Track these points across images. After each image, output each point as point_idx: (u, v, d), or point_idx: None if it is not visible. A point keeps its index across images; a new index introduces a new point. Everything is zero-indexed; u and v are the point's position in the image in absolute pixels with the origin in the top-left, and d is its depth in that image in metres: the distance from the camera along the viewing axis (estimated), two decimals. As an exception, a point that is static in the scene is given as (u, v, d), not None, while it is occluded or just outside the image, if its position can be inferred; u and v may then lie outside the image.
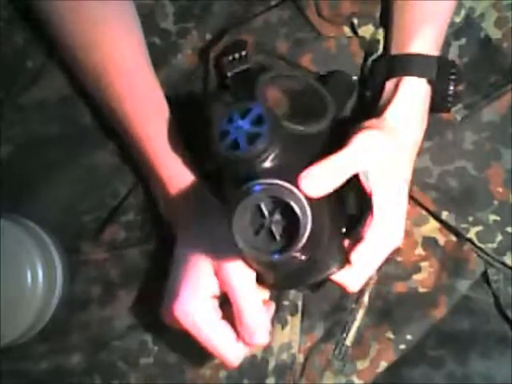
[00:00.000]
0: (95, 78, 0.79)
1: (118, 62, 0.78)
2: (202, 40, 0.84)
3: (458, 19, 0.82)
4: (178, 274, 0.73)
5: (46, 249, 0.83)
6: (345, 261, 0.70)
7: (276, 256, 0.62)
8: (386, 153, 0.72)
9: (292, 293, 0.82)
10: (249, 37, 0.82)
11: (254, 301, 0.70)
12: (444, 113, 0.80)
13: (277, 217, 0.62)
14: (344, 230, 0.71)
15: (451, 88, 0.78)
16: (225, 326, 0.72)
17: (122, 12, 0.80)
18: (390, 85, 0.78)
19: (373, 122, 0.74)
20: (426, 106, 0.78)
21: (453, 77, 0.78)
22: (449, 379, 0.81)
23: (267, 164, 0.65)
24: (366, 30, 0.82)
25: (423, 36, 0.77)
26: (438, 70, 0.77)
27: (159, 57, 0.84)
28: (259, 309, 0.71)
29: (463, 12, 0.82)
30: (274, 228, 0.62)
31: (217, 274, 0.72)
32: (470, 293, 0.82)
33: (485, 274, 0.82)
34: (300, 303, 0.82)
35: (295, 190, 0.62)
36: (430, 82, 0.77)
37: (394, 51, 0.79)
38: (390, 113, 0.75)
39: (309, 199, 0.63)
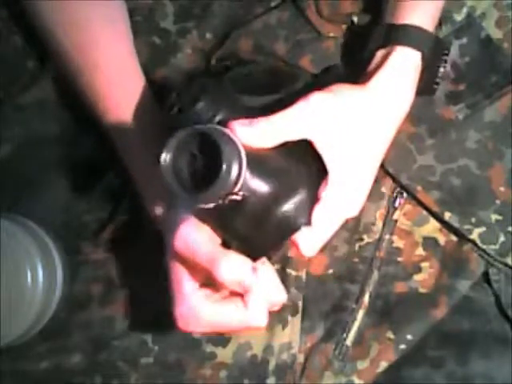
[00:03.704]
0: (79, 81, 0.79)
1: (99, 66, 0.78)
2: (202, 39, 0.84)
3: (459, 18, 0.82)
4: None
5: (46, 249, 0.84)
6: (310, 219, 0.68)
7: (186, 194, 0.63)
8: (348, 118, 0.70)
9: (293, 293, 0.81)
10: (248, 40, 0.83)
11: (216, 248, 0.68)
12: (427, 95, 0.78)
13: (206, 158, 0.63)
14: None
15: (441, 69, 0.76)
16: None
17: (107, 15, 0.79)
18: (381, 53, 0.75)
19: (337, 86, 0.71)
20: (415, 83, 0.75)
21: (445, 57, 0.76)
22: (449, 379, 0.81)
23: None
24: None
25: (423, 10, 0.75)
26: (433, 48, 0.75)
27: (159, 56, 0.84)
28: (227, 254, 0.68)
29: (464, 10, 0.82)
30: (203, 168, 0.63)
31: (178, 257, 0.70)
32: (471, 293, 0.82)
33: (485, 274, 0.82)
34: (300, 303, 0.82)
35: (227, 131, 0.63)
36: (423, 57, 0.74)
37: (391, 21, 0.76)
38: (377, 79, 0.72)
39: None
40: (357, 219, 0.82)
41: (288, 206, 0.67)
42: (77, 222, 0.85)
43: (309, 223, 0.67)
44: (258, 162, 0.65)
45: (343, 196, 0.70)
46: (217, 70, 0.78)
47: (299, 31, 0.82)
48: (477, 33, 0.81)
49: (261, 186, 0.65)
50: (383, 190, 0.82)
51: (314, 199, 0.68)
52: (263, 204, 0.66)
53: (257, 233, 0.68)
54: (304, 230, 0.68)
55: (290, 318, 0.81)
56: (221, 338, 0.82)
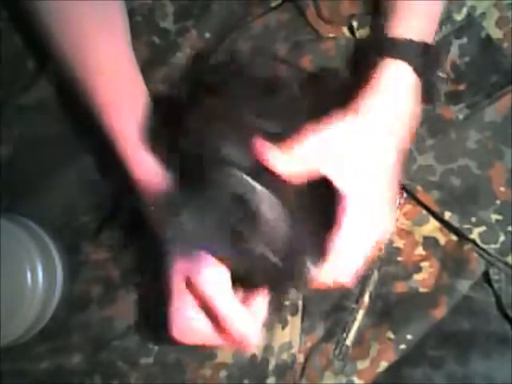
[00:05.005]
0: (76, 81, 0.79)
1: (95, 65, 0.78)
2: (201, 39, 0.84)
3: (459, 17, 0.82)
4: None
5: (46, 249, 0.84)
6: (320, 258, 0.69)
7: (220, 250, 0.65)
8: (350, 146, 0.70)
9: (292, 293, 0.82)
10: (248, 42, 0.83)
11: (234, 306, 0.70)
12: (431, 104, 0.78)
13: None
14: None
15: (436, 76, 0.76)
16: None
17: (104, 14, 0.79)
18: (373, 64, 0.74)
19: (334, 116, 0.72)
20: (413, 94, 0.74)
21: (438, 64, 0.76)
22: (449, 379, 0.81)
23: None
24: (365, 33, 0.81)
25: (408, 22, 0.74)
26: (424, 58, 0.74)
27: (159, 56, 0.84)
28: (242, 313, 0.71)
29: (464, 10, 0.82)
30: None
31: (190, 286, 0.71)
32: (471, 293, 0.82)
33: (485, 274, 0.82)
34: (300, 303, 0.82)
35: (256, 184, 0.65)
36: (415, 69, 0.73)
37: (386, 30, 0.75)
38: (368, 100, 0.72)
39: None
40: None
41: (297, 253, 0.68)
42: (77, 222, 0.86)
43: (319, 260, 0.68)
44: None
45: (368, 219, 0.70)
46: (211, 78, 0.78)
47: (299, 32, 0.83)
48: (477, 33, 0.82)
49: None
50: (383, 189, 0.82)
51: (324, 238, 0.69)
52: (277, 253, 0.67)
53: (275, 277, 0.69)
54: (333, 263, 0.69)
55: (289, 317, 0.82)
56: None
